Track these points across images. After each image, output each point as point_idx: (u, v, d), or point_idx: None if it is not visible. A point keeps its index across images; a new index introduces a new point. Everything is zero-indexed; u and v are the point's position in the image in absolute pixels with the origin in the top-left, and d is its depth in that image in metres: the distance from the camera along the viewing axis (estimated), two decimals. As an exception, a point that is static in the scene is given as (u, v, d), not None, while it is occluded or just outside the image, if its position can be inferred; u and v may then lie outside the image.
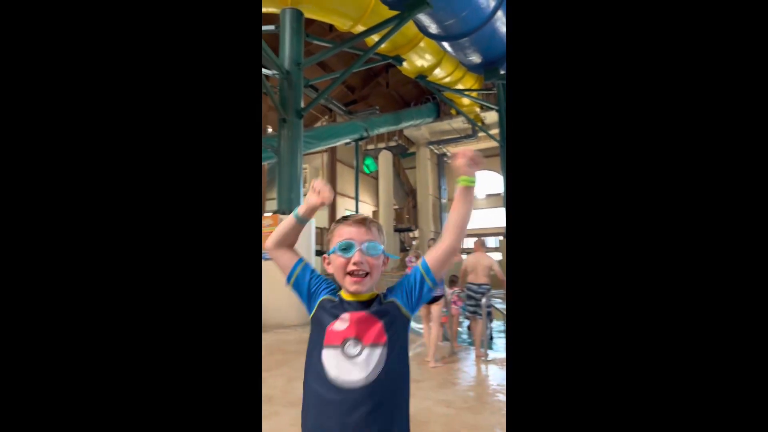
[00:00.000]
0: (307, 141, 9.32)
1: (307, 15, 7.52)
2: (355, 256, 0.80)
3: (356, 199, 13.25)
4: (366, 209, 19.72)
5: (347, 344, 0.77)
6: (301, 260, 0.89)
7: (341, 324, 0.79)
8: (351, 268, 0.80)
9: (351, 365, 0.76)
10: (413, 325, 5.04)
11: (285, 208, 6.50)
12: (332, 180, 17.75)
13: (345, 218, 0.86)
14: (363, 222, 0.84)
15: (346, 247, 0.80)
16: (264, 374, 3.37)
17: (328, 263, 0.84)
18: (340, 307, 0.82)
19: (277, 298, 6.32)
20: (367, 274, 0.81)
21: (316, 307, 0.84)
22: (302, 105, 7.10)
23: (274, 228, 5.72)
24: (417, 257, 5.76)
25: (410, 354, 4.19)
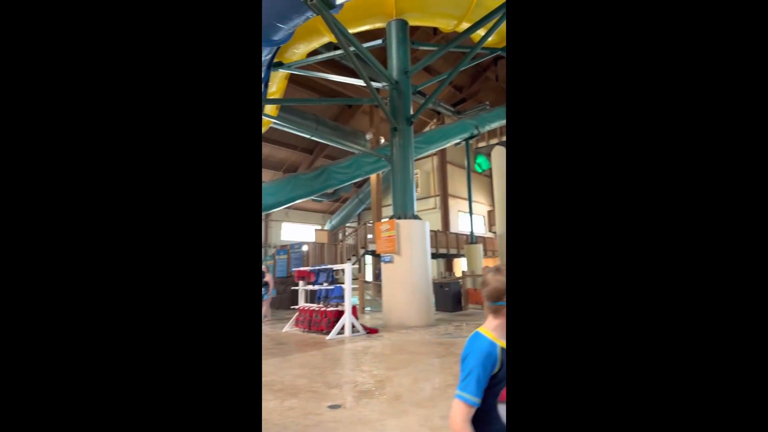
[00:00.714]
0: (418, 146, 9.49)
1: (412, 23, 7.69)
2: None
3: (469, 200, 12.93)
4: (480, 210, 19.09)
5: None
6: (474, 394, 0.92)
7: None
8: None
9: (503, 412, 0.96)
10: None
11: (400, 213, 6.72)
12: (443, 182, 17.68)
13: (499, 269, 1.01)
14: None
15: None
16: (390, 373, 3.51)
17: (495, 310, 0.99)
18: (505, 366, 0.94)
19: (399, 299, 6.54)
20: None
21: (492, 379, 0.95)
22: (411, 112, 7.27)
23: (393, 233, 5.96)
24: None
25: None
